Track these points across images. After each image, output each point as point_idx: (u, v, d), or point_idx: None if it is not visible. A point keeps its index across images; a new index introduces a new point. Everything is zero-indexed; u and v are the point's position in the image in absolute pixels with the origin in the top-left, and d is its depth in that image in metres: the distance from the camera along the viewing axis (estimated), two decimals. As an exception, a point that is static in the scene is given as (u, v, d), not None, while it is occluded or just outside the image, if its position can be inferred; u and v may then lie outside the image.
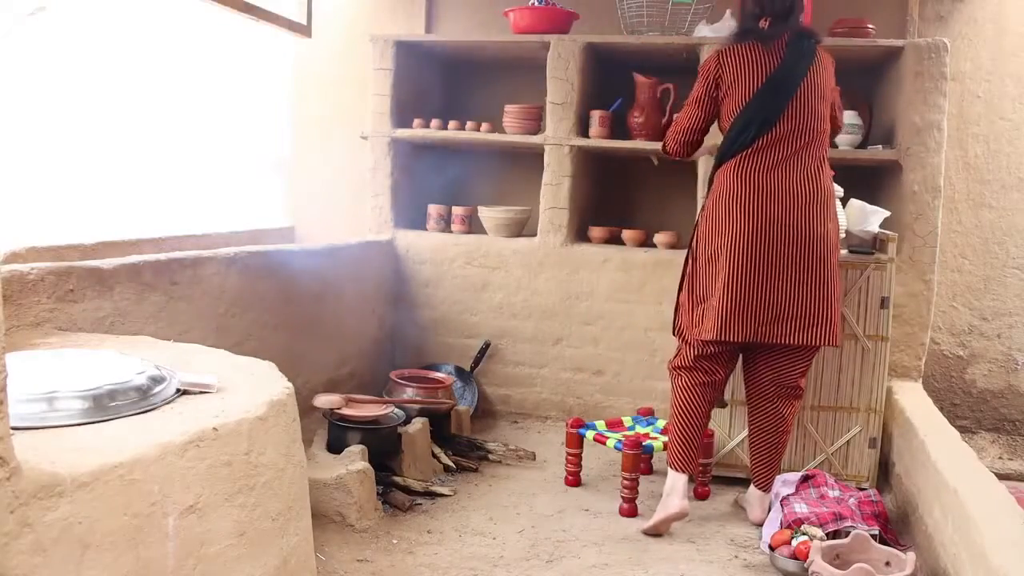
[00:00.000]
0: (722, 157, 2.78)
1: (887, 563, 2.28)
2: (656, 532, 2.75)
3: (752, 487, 2.93)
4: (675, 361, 2.88)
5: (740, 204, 2.69)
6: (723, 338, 2.69)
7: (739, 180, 2.71)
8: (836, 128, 2.91)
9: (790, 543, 2.47)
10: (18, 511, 1.15)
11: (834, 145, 3.64)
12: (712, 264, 2.75)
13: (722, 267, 2.70)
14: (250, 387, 1.80)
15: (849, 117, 3.59)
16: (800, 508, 2.60)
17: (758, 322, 2.68)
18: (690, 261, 2.87)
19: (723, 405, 3.10)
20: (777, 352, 2.77)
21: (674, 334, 2.95)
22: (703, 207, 2.85)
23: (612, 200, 4.30)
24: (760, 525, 2.82)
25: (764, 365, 2.82)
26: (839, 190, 3.13)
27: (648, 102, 3.85)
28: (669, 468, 2.80)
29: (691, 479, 3.14)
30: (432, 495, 2.94)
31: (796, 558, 2.43)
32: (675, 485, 2.75)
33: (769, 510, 2.79)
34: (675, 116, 3.00)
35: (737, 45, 2.78)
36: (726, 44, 2.85)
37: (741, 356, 2.90)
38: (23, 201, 2.84)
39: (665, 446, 2.89)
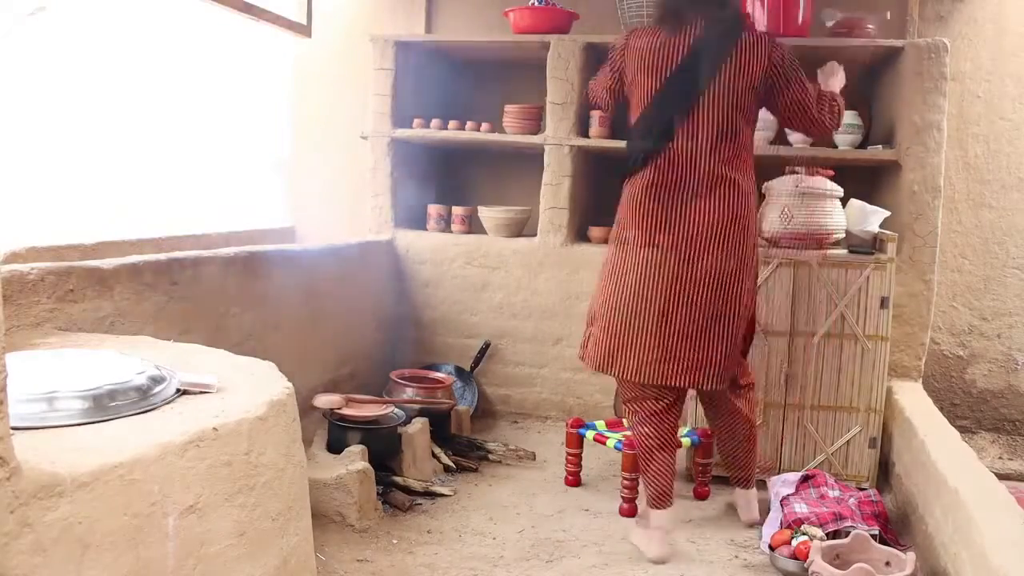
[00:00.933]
0: (627, 167, 2.63)
1: (887, 563, 2.28)
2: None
3: (736, 489, 2.86)
4: (623, 394, 2.68)
5: (637, 226, 2.57)
6: (599, 369, 2.60)
7: (640, 198, 2.58)
8: (824, 127, 2.63)
9: (790, 543, 2.47)
10: (18, 511, 1.15)
11: (834, 145, 3.65)
12: (606, 282, 2.63)
13: (608, 290, 2.60)
14: (250, 387, 1.80)
15: (849, 117, 3.58)
16: (800, 508, 2.60)
17: (640, 362, 2.51)
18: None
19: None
20: None
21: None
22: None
23: (612, 200, 4.28)
24: (753, 525, 2.81)
25: None
26: (839, 190, 3.13)
27: (648, 102, 3.85)
28: (649, 508, 2.59)
29: (696, 489, 3.14)
30: (432, 495, 2.94)
31: (796, 558, 2.43)
32: (658, 527, 2.55)
33: (768, 510, 2.79)
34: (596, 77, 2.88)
35: (644, 30, 2.56)
36: (632, 28, 2.64)
37: None
38: (23, 201, 2.85)
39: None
